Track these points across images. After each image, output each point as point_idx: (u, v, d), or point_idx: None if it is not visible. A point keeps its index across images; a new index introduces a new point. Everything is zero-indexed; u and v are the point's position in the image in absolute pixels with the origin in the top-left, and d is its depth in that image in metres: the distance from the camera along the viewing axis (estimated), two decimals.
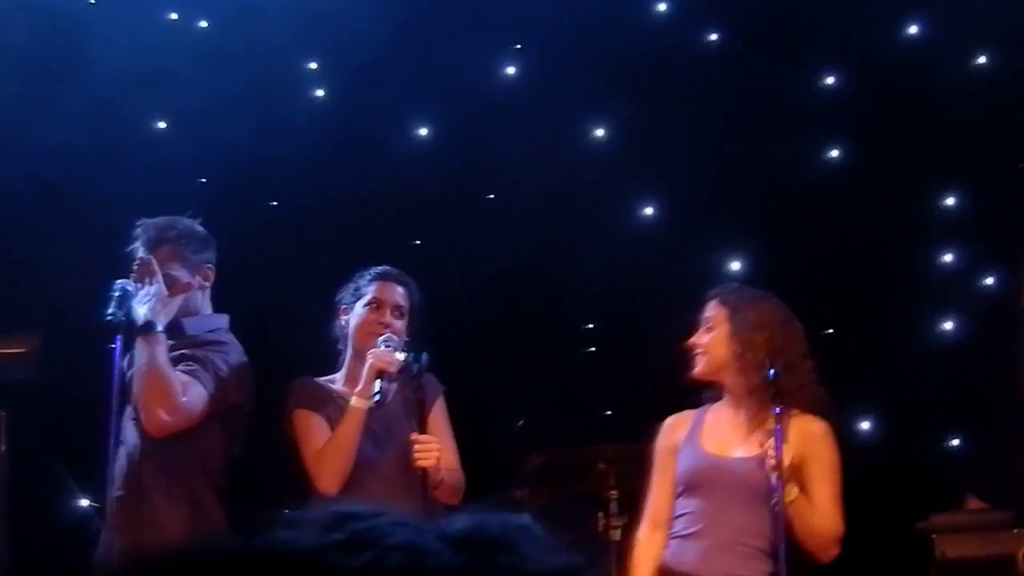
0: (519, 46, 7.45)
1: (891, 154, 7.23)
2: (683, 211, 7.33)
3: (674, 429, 4.98)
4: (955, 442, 7.18)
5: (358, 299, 5.12)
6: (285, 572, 1.20)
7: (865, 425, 7.14)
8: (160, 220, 4.99)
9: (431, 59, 7.17)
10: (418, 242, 7.32)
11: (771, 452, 4.60)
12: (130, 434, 4.79)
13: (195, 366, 4.78)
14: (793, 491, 4.62)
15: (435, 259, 6.97)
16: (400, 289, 5.15)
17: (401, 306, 5.13)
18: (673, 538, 4.84)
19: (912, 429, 6.99)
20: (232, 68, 6.91)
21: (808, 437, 4.76)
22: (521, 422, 7.08)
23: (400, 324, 5.09)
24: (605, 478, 5.73)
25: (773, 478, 4.60)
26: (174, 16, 7.15)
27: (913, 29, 7.35)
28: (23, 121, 6.61)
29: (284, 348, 5.67)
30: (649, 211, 7.46)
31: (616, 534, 5.65)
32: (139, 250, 4.89)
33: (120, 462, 4.76)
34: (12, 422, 5.97)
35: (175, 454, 4.77)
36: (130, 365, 4.75)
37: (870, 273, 7.12)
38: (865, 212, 7.15)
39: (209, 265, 5.02)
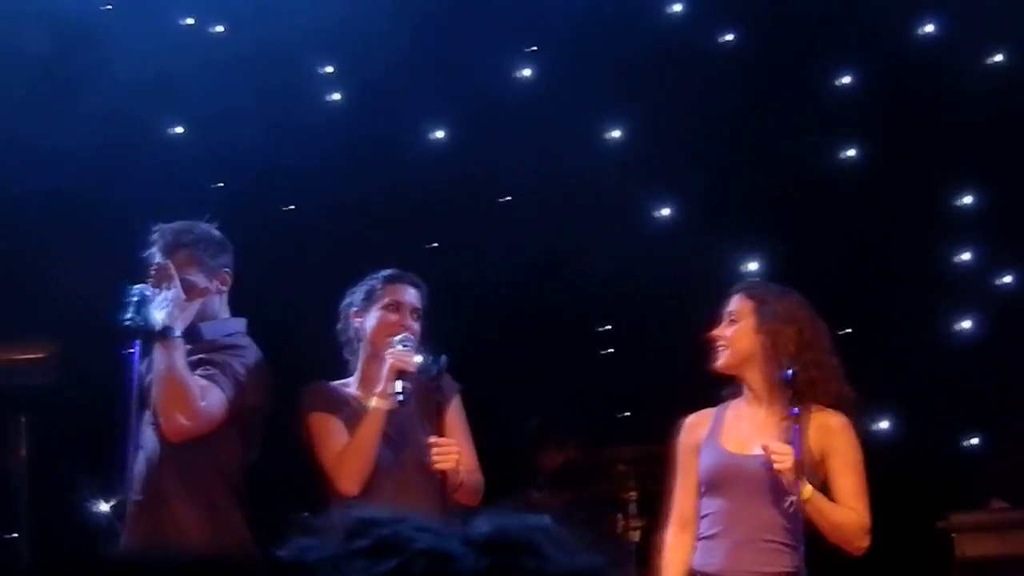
0: (534, 48, 7.44)
1: (908, 153, 7.21)
2: (699, 211, 7.32)
3: (695, 428, 4.98)
4: (974, 441, 7.16)
5: (371, 302, 5.12)
6: None
7: (884, 424, 7.13)
8: (177, 225, 5.00)
9: (445, 62, 7.16)
10: (435, 245, 7.32)
11: (774, 455, 4.60)
12: (149, 439, 4.80)
13: (213, 370, 4.79)
14: (807, 489, 4.61)
15: (452, 262, 6.97)
16: (415, 291, 5.16)
17: (417, 308, 5.13)
18: (699, 539, 4.84)
19: (931, 428, 6.97)
20: (247, 73, 6.92)
21: (827, 431, 4.77)
22: (533, 421, 7.07)
23: (416, 326, 5.10)
24: (624, 479, 5.73)
25: (785, 480, 4.59)
26: (190, 21, 7.16)
27: (929, 28, 7.32)
28: (39, 127, 6.62)
29: (301, 352, 5.67)
30: (665, 212, 7.45)
31: (635, 536, 5.66)
32: (156, 255, 4.90)
33: (139, 467, 4.78)
34: (31, 427, 5.98)
35: (194, 458, 4.78)
36: (148, 370, 4.76)
37: (887, 272, 7.11)
38: (882, 211, 7.14)
39: (226, 269, 5.03)
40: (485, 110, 7.23)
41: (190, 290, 4.84)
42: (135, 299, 4.73)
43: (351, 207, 7.05)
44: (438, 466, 4.86)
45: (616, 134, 7.49)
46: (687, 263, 6.92)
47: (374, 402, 4.94)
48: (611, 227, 7.18)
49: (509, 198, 7.44)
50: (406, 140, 7.34)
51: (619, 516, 5.78)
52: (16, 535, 5.89)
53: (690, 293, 5.59)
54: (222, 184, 7.02)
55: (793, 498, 4.60)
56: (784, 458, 4.59)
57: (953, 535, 6.14)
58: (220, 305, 5.02)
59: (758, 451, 4.73)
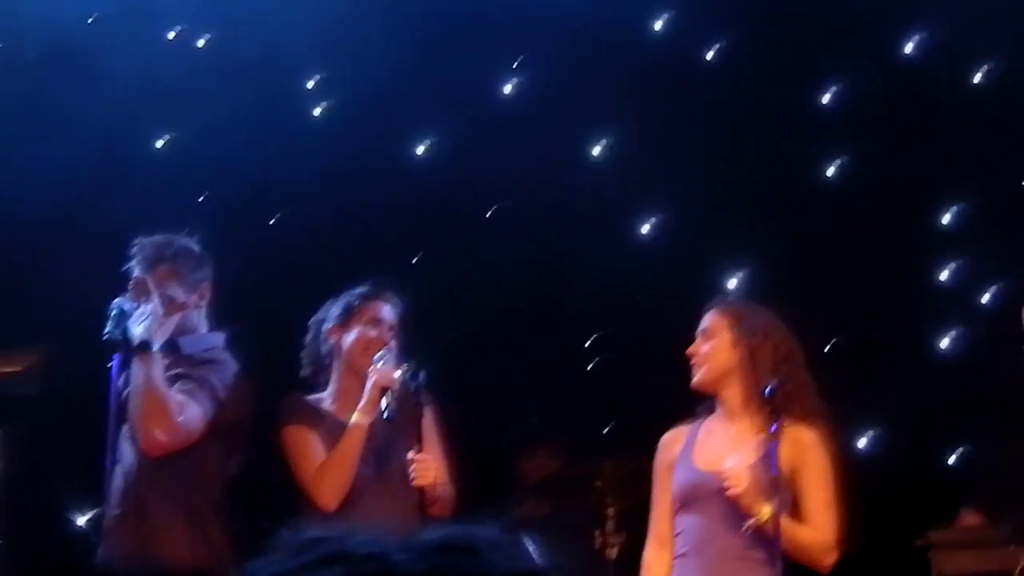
0: (520, 58, 7.46)
1: (893, 168, 7.23)
2: (684, 225, 7.34)
3: (670, 445, 4.99)
4: (953, 457, 7.18)
5: (349, 318, 5.15)
6: None
7: (864, 439, 7.15)
8: (157, 239, 5.01)
9: (432, 74, 7.18)
10: (419, 256, 7.33)
11: (727, 481, 4.60)
12: (127, 452, 4.80)
13: (192, 385, 4.79)
14: (765, 511, 4.60)
15: (439, 274, 6.99)
16: (392, 308, 5.19)
17: (395, 325, 5.16)
18: (676, 558, 4.85)
19: (910, 444, 6.98)
20: (236, 85, 6.93)
21: (799, 446, 4.77)
22: (513, 431, 7.10)
23: (394, 343, 5.13)
24: (603, 495, 5.73)
25: (741, 503, 4.60)
26: (173, 35, 7.17)
27: (912, 45, 7.35)
28: (25, 139, 6.64)
29: (284, 365, 5.68)
30: (649, 226, 7.47)
31: (613, 552, 5.67)
32: (136, 269, 4.91)
33: (117, 480, 4.78)
34: (11, 438, 5.98)
35: (173, 472, 4.78)
36: (127, 383, 4.77)
37: (871, 287, 7.12)
38: (867, 226, 7.15)
39: (206, 283, 5.04)
40: (473, 123, 7.25)
41: (169, 304, 4.85)
42: (114, 313, 4.74)
43: (336, 219, 7.07)
44: (418, 482, 4.89)
45: (603, 147, 7.51)
46: (673, 277, 6.93)
47: (356, 417, 4.96)
48: (598, 240, 7.20)
49: (494, 210, 7.46)
50: (394, 152, 7.36)
51: (597, 532, 5.78)
52: None
53: (675, 308, 5.60)
54: (206, 194, 7.03)
55: (751, 521, 4.61)
56: (738, 482, 4.60)
57: (931, 552, 6.15)
58: (199, 319, 5.03)
59: (729, 466, 4.73)
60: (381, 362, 5.01)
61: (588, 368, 7.55)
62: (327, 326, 5.19)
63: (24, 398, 6.03)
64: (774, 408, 4.70)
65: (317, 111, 7.38)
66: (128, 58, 6.78)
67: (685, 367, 4.97)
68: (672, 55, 7.39)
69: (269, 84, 7.11)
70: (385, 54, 7.01)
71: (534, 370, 7.17)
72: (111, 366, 4.72)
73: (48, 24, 6.83)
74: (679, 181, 7.26)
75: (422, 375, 5.00)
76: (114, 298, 4.82)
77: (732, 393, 4.88)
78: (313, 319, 5.27)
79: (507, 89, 7.47)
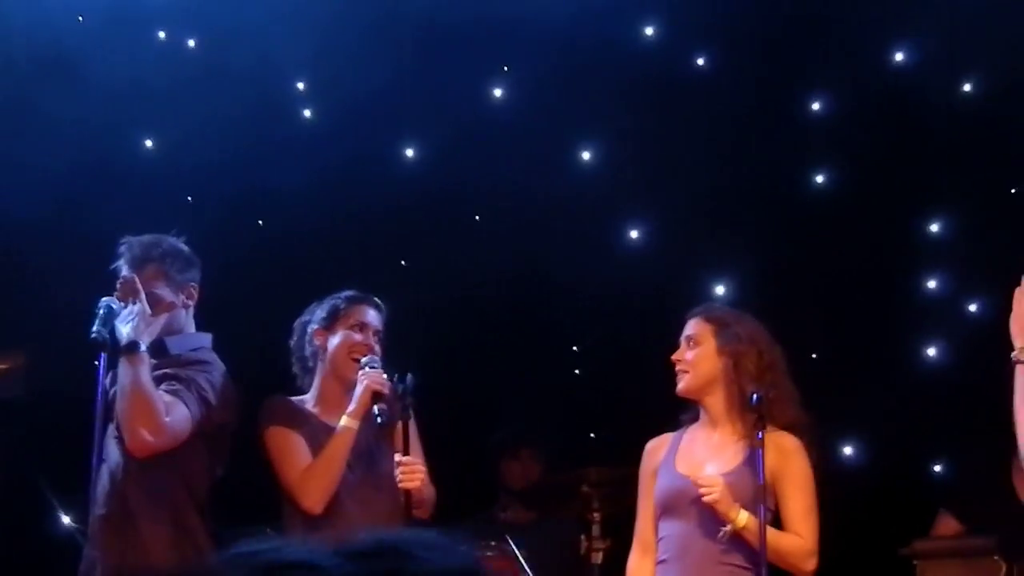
0: (509, 66, 7.46)
1: (878, 179, 7.25)
2: (670, 234, 7.35)
3: (654, 452, 5.00)
4: (938, 468, 7.19)
5: (334, 321, 5.15)
6: None
7: (848, 450, 7.16)
8: (145, 238, 4.99)
9: (419, 81, 7.18)
10: (403, 263, 7.34)
11: (702, 488, 4.62)
12: (113, 453, 4.78)
13: (178, 386, 4.77)
14: (742, 517, 4.62)
15: (422, 280, 6.99)
16: (377, 312, 5.20)
17: (379, 330, 5.18)
18: (658, 564, 4.85)
19: (895, 454, 7.00)
20: (219, 88, 6.92)
21: (781, 453, 4.78)
22: (497, 435, 7.10)
23: (378, 347, 5.14)
24: (589, 501, 5.73)
25: (717, 511, 4.61)
26: (162, 35, 7.16)
27: (900, 55, 7.37)
28: (13, 142, 6.62)
29: (269, 368, 5.68)
30: (636, 234, 7.48)
31: (598, 557, 5.67)
32: (123, 268, 4.90)
33: (103, 480, 4.76)
34: None
35: (159, 473, 4.76)
36: (113, 383, 4.75)
37: (855, 298, 7.14)
38: (851, 237, 7.17)
39: (193, 284, 5.02)
40: (462, 129, 7.25)
41: (156, 304, 4.83)
42: (101, 312, 4.72)
43: (322, 224, 7.06)
44: (404, 485, 4.89)
45: (588, 155, 7.52)
46: (658, 286, 6.94)
47: (345, 420, 4.96)
48: (585, 246, 7.21)
49: (479, 217, 7.46)
50: (380, 158, 7.35)
51: (583, 537, 5.79)
52: None
53: (661, 315, 5.61)
54: (190, 199, 7.02)
55: (727, 528, 4.62)
56: (713, 489, 4.61)
57: (915, 562, 6.16)
58: (186, 319, 5.02)
59: (709, 472, 4.74)
60: (370, 367, 5.01)
61: (574, 374, 7.56)
62: (312, 328, 5.19)
63: (9, 399, 6.01)
64: (760, 416, 4.72)
65: (306, 115, 7.38)
66: (117, 61, 6.77)
67: (671, 374, 4.98)
68: (660, 64, 7.39)
69: (258, 88, 7.09)
70: (375, 60, 7.01)
71: (521, 375, 7.17)
72: (97, 364, 4.70)
73: (36, 28, 6.82)
74: (666, 189, 7.28)
75: (409, 379, 5.00)
76: (100, 299, 4.80)
77: (716, 400, 4.89)
78: (298, 321, 5.27)
79: (496, 96, 7.48)
